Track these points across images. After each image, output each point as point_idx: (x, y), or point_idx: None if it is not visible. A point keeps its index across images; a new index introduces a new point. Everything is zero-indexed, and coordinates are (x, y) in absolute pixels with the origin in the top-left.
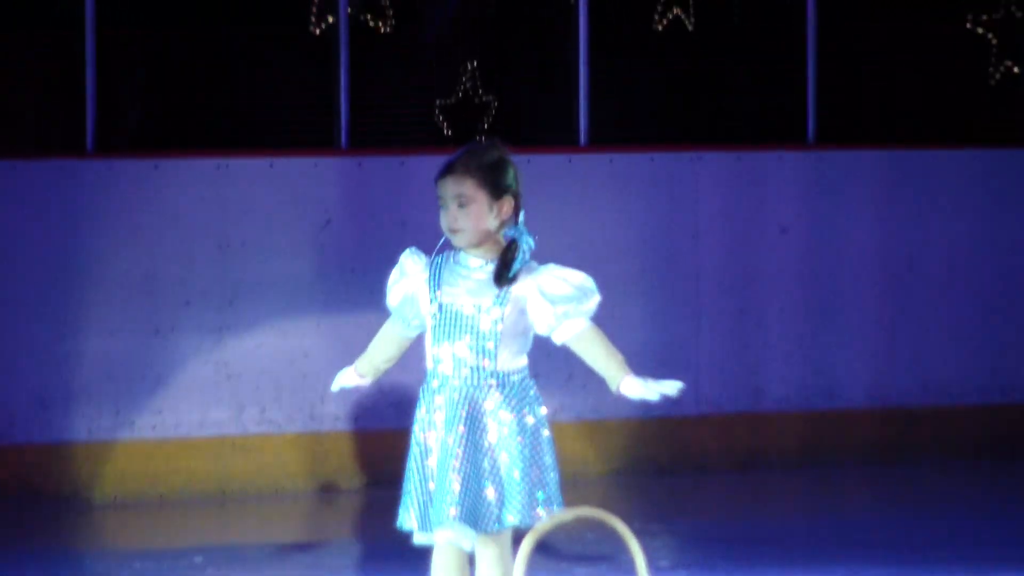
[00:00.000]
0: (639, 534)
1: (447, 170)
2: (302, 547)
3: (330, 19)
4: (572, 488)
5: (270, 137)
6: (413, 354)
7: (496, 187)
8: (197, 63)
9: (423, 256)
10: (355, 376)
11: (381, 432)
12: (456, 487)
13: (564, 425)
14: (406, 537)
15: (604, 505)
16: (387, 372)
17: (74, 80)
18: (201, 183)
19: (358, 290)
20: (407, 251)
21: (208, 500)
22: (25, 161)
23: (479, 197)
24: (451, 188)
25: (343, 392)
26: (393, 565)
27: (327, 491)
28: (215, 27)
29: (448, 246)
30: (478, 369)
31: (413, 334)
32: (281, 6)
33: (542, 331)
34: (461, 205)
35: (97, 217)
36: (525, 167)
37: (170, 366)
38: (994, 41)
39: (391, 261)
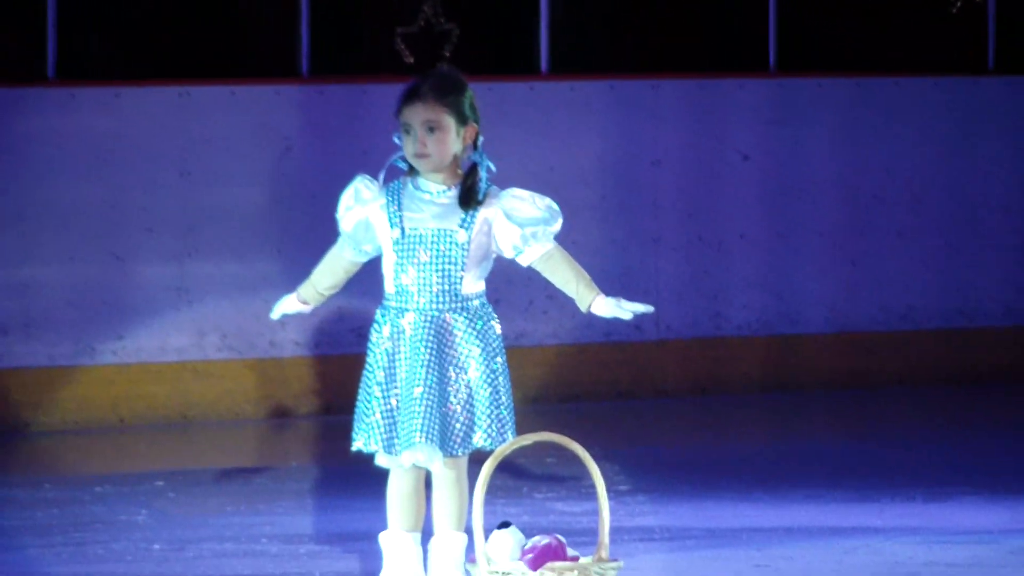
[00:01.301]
0: (599, 459)
1: (415, 95)
2: (263, 471)
3: None
4: (533, 413)
5: (231, 65)
6: (373, 278)
7: (462, 114)
8: None
9: (376, 182)
10: (297, 303)
11: (342, 358)
12: (424, 409)
13: (525, 350)
14: (366, 461)
15: (564, 430)
16: (345, 297)
17: (35, 7)
18: (162, 111)
19: (319, 217)
20: (359, 177)
21: (169, 425)
22: None
23: (448, 123)
24: (420, 114)
25: (303, 318)
26: (353, 488)
27: (288, 416)
28: None
29: (394, 172)
30: (443, 292)
31: (363, 259)
32: None
33: (508, 254)
34: (431, 130)
35: (58, 144)
36: (486, 95)
37: (131, 293)
38: None
39: None
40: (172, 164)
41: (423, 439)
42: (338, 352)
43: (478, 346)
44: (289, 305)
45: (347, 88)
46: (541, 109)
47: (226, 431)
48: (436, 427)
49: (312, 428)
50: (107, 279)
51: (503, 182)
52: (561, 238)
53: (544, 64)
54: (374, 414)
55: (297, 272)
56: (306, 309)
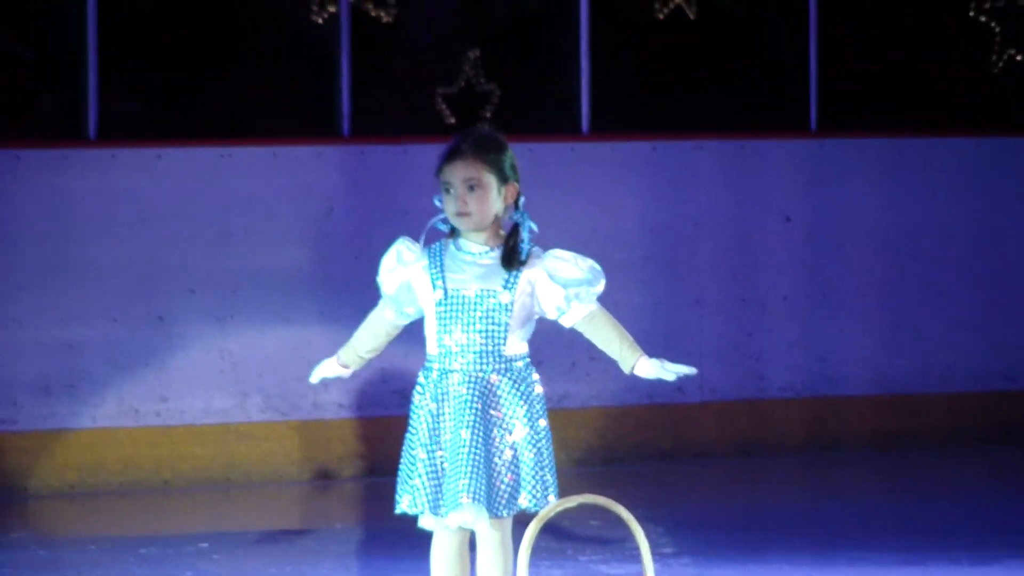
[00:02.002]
0: (643, 521)
1: (455, 154)
2: (306, 533)
3: (332, 8)
4: (576, 475)
5: (272, 126)
6: (415, 340)
7: (503, 172)
8: (200, 51)
9: (418, 244)
10: (337, 367)
11: (384, 419)
12: (470, 469)
13: (568, 412)
14: (410, 523)
15: (608, 492)
16: (388, 359)
17: (76, 68)
18: (204, 172)
19: (360, 278)
20: (401, 239)
21: (213, 487)
22: (28, 149)
23: (489, 182)
24: (461, 172)
25: (343, 381)
26: (396, 551)
27: (331, 478)
28: (218, 16)
29: (435, 234)
30: (487, 354)
31: (404, 322)
32: None
33: (551, 315)
34: (471, 188)
35: (100, 205)
36: (527, 156)
37: (174, 354)
38: (997, 29)
39: None
40: (213, 225)
41: (470, 499)
42: (381, 414)
43: (522, 407)
44: (329, 369)
45: (388, 148)
46: (582, 170)
47: (270, 493)
48: (483, 488)
49: (355, 490)
50: (150, 340)
51: (545, 243)
52: (603, 299)
53: (585, 125)
54: (419, 476)
55: (339, 333)
56: (346, 373)
